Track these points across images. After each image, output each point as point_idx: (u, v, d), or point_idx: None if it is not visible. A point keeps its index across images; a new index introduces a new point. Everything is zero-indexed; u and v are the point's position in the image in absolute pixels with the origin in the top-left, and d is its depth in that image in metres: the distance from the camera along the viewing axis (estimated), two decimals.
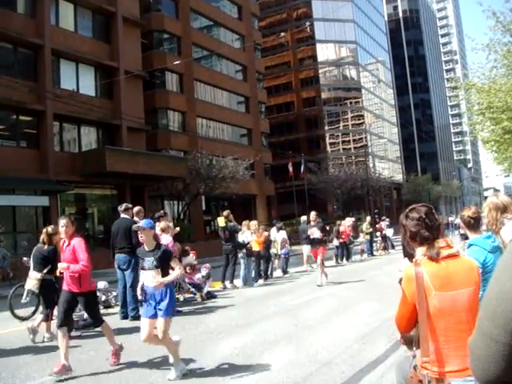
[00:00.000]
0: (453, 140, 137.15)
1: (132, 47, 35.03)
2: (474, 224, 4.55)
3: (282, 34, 72.98)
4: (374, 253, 28.32)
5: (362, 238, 28.65)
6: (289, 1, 74.49)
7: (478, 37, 61.90)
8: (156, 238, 6.99)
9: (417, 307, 2.76)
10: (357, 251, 27.35)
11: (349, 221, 26.04)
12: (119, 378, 6.64)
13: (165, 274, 6.59)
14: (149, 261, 6.55)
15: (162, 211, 14.27)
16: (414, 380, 2.83)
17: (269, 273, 18.39)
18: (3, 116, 28.23)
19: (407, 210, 3.03)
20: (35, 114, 28.79)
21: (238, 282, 16.03)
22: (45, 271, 8.88)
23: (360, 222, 32.38)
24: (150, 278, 6.47)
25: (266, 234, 18.06)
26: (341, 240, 24.29)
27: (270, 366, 6.76)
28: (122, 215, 11.62)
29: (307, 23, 72.10)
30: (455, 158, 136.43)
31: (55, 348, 8.41)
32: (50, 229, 9.29)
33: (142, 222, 7.12)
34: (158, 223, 13.01)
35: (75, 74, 31.56)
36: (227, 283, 15.67)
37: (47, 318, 8.88)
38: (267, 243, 18.11)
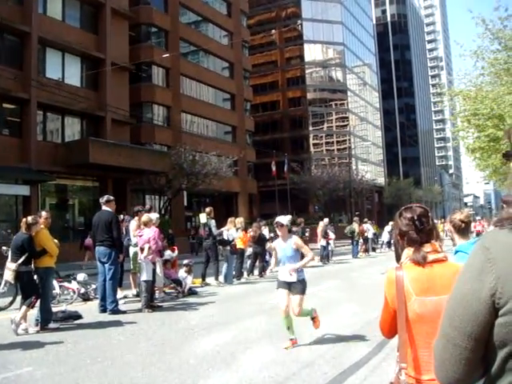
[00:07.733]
0: (435, 145, 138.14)
1: (119, 39, 34.72)
2: (464, 228, 4.35)
3: (273, 31, 72.96)
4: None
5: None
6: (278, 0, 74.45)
7: (466, 43, 62.29)
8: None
9: (396, 311, 2.70)
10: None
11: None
12: (98, 371, 6.52)
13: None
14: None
15: (138, 206, 14.00)
16: None
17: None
18: None
19: (402, 208, 2.96)
20: (19, 102, 28.41)
21: (220, 278, 15.98)
22: (19, 262, 8.71)
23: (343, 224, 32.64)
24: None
25: (258, 231, 18.30)
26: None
27: (252, 365, 6.69)
28: (104, 207, 11.46)
29: (297, 22, 72.15)
30: (437, 163, 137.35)
31: (33, 339, 8.30)
32: (30, 219, 9.11)
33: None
34: (136, 217, 12.84)
35: (61, 64, 31.24)
36: (212, 280, 15.64)
37: (29, 307, 8.72)
38: (263, 240, 18.21)
